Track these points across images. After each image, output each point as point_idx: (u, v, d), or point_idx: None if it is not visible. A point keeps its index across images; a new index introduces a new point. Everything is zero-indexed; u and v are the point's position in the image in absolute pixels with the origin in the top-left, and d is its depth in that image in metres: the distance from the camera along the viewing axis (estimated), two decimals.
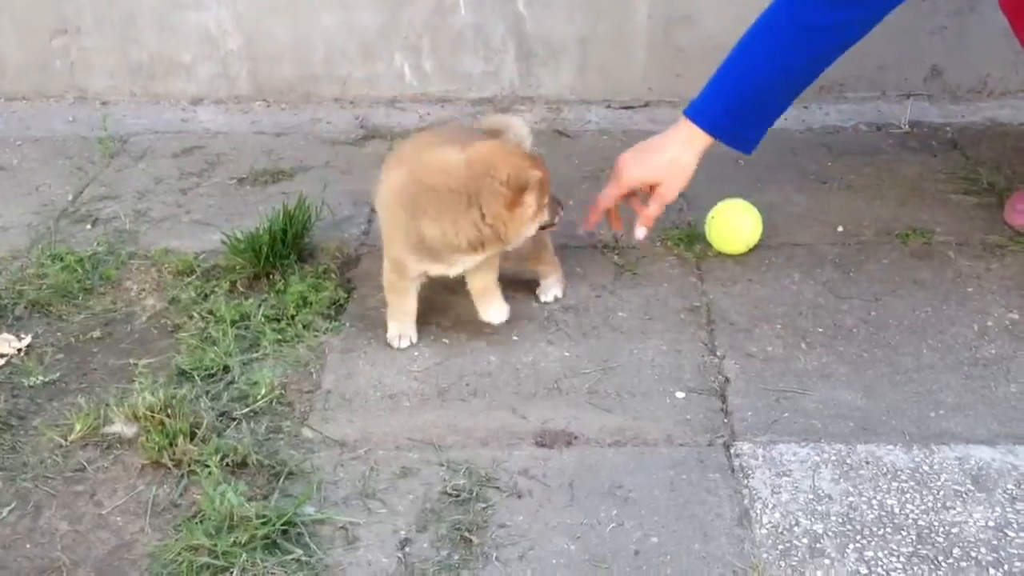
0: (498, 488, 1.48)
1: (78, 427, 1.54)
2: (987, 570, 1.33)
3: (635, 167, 1.88)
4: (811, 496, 1.46)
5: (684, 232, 2.11)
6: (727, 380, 1.71)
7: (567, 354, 1.78)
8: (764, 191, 2.26)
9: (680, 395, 1.68)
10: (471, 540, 1.38)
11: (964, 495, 1.45)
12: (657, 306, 1.91)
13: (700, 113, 1.87)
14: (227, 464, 1.47)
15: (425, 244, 1.69)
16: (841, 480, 1.48)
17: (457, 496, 1.46)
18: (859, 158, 2.39)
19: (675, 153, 1.87)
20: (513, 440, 1.58)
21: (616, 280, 1.99)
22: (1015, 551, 1.35)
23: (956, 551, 1.36)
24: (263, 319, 1.81)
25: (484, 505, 1.45)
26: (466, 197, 1.66)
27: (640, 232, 1.90)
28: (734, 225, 2.01)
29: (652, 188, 1.88)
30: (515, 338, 1.82)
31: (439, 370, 1.74)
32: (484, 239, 1.68)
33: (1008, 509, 1.42)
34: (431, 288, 1.94)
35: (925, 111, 2.57)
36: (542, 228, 1.76)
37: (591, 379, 1.72)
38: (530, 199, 1.67)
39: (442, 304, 1.90)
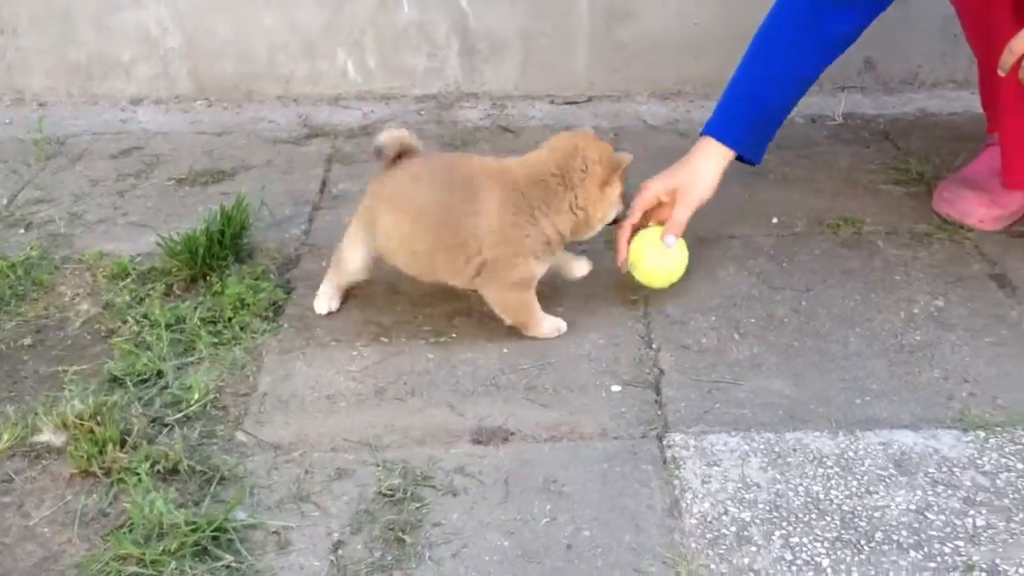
0: (433, 487, 1.48)
1: (5, 437, 1.52)
2: (908, 552, 1.35)
3: (657, 179, 1.90)
4: (740, 485, 1.47)
5: None
6: (662, 372, 1.72)
7: (506, 350, 1.78)
8: None
9: (616, 388, 1.69)
10: (404, 540, 1.38)
11: (887, 479, 1.47)
12: (595, 300, 1.91)
13: (722, 130, 1.90)
14: (158, 471, 1.46)
15: (558, 238, 1.72)
16: (769, 468, 1.50)
17: (392, 496, 1.46)
18: (795, 150, 2.42)
19: (697, 161, 1.90)
20: (450, 438, 1.58)
21: (556, 275, 1.99)
22: (935, 533, 1.38)
23: (878, 535, 1.38)
24: (199, 322, 1.79)
25: (419, 504, 1.45)
26: (562, 178, 1.71)
27: (670, 240, 1.84)
28: (655, 265, 1.86)
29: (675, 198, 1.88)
30: (454, 335, 1.81)
31: (377, 369, 1.73)
32: (576, 225, 1.74)
33: (929, 492, 1.44)
34: (372, 286, 1.94)
35: (859, 103, 2.61)
36: (613, 222, 1.81)
37: (529, 375, 1.72)
38: (618, 180, 1.74)
39: (381, 303, 1.89)
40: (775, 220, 2.13)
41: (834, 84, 2.67)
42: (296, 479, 1.49)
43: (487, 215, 1.68)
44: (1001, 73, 1.76)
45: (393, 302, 1.89)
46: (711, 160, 1.89)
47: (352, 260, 1.81)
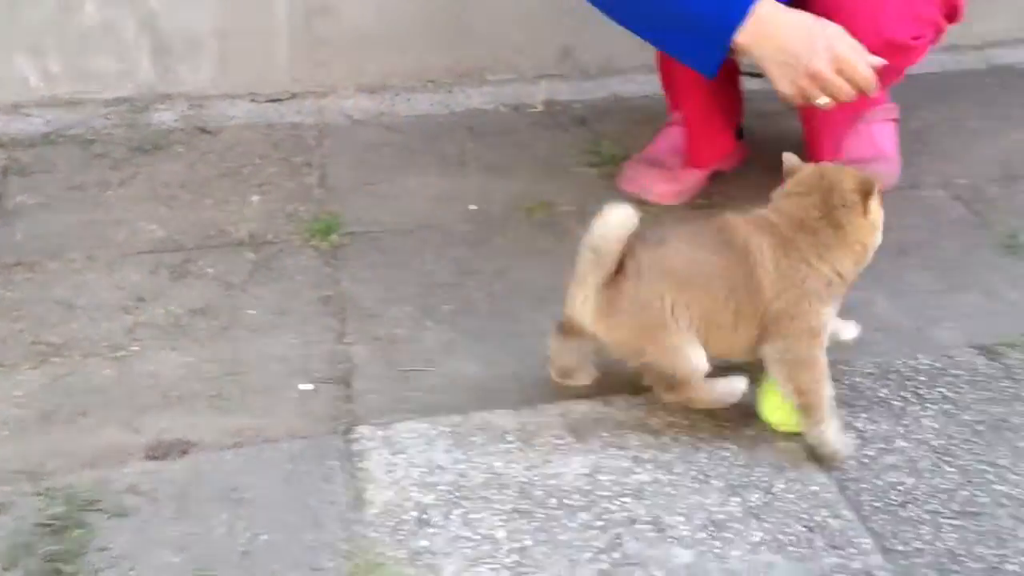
0: (101, 510, 1.41)
1: None
2: (577, 514, 1.42)
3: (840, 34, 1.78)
4: (424, 469, 1.50)
5: (323, 223, 2.11)
6: (354, 366, 1.72)
7: (191, 359, 1.73)
8: (405, 176, 2.31)
9: (306, 387, 1.68)
10: (63, 570, 1.31)
11: (563, 447, 1.54)
12: (290, 300, 1.89)
13: None
14: None
15: (839, 279, 1.55)
16: (454, 449, 1.54)
17: (52, 525, 1.38)
18: (497, 138, 2.49)
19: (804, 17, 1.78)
20: (123, 457, 1.51)
21: (250, 277, 1.96)
22: (604, 493, 1.46)
23: (552, 501, 1.45)
24: None
25: (83, 531, 1.38)
26: (826, 218, 1.55)
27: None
28: None
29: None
30: (135, 348, 1.74)
31: (45, 392, 1.63)
32: (856, 259, 1.58)
33: (601, 455, 1.53)
34: (44, 304, 1.83)
35: (559, 90, 2.71)
36: None
37: (215, 383, 1.68)
38: (876, 205, 1.57)
39: (55, 320, 1.79)
40: (473, 207, 2.19)
41: (535, 73, 2.77)
42: None
43: (762, 265, 1.54)
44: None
45: (67, 319, 1.80)
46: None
47: (700, 360, 1.55)
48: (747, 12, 1.76)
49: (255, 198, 2.22)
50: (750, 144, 2.33)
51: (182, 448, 1.54)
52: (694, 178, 2.23)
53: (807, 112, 2.27)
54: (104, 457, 1.51)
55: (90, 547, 1.35)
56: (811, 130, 2.25)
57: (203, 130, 2.51)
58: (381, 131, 2.55)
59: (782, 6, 1.79)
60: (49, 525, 1.38)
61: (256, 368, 1.71)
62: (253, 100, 2.66)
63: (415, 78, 2.77)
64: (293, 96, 2.69)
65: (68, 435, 1.55)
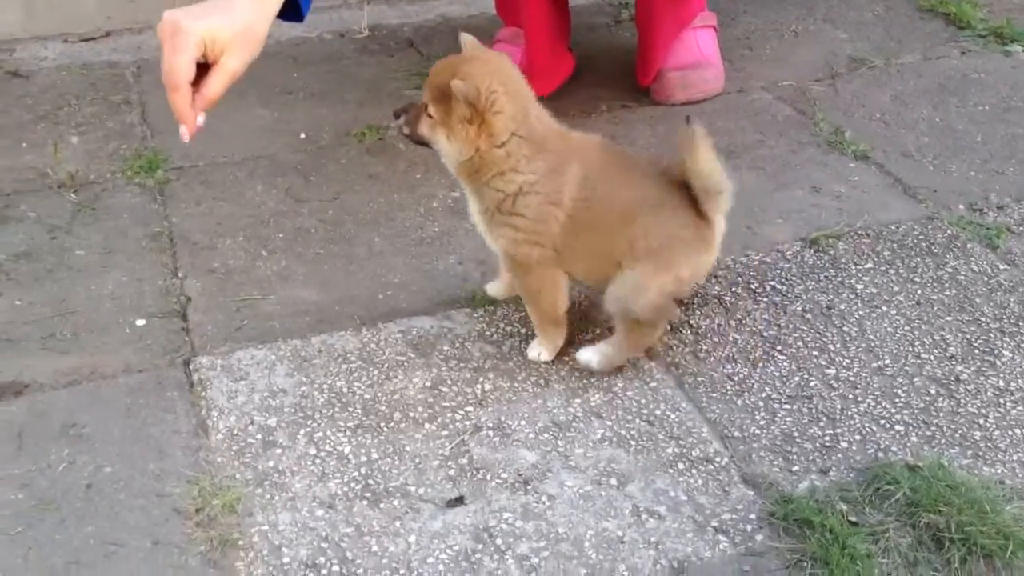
0: None
1: None
2: (422, 425, 1.53)
3: (196, 22, 1.43)
4: (266, 394, 1.57)
5: (147, 159, 2.12)
6: (189, 299, 1.77)
7: (19, 302, 1.74)
8: (230, 108, 2.32)
9: (140, 322, 1.71)
10: None
11: (405, 363, 1.64)
12: (117, 238, 1.91)
13: None
14: None
15: None
16: (295, 373, 1.61)
17: None
18: (322, 66, 2.53)
19: (246, 17, 1.50)
20: None
21: (73, 219, 1.96)
22: (447, 404, 1.56)
23: (397, 415, 1.54)
24: None
25: None
26: None
27: (201, 119, 1.47)
28: None
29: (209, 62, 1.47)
30: None
31: None
32: None
33: (443, 368, 1.63)
34: None
35: (384, 14, 2.77)
36: None
37: (47, 324, 1.69)
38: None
39: None
40: (303, 135, 2.24)
41: None
42: None
43: None
44: None
45: None
46: (262, 17, 1.53)
47: None
48: None
49: (74, 139, 2.20)
50: (578, 57, 2.44)
51: (16, 390, 1.56)
52: None
53: (640, 20, 2.39)
54: None
55: None
56: (644, 38, 2.37)
57: (15, 74, 2.45)
58: None
59: None
60: None
61: (87, 308, 1.73)
62: (65, 40, 2.61)
63: None
64: (108, 34, 2.65)
65: None
